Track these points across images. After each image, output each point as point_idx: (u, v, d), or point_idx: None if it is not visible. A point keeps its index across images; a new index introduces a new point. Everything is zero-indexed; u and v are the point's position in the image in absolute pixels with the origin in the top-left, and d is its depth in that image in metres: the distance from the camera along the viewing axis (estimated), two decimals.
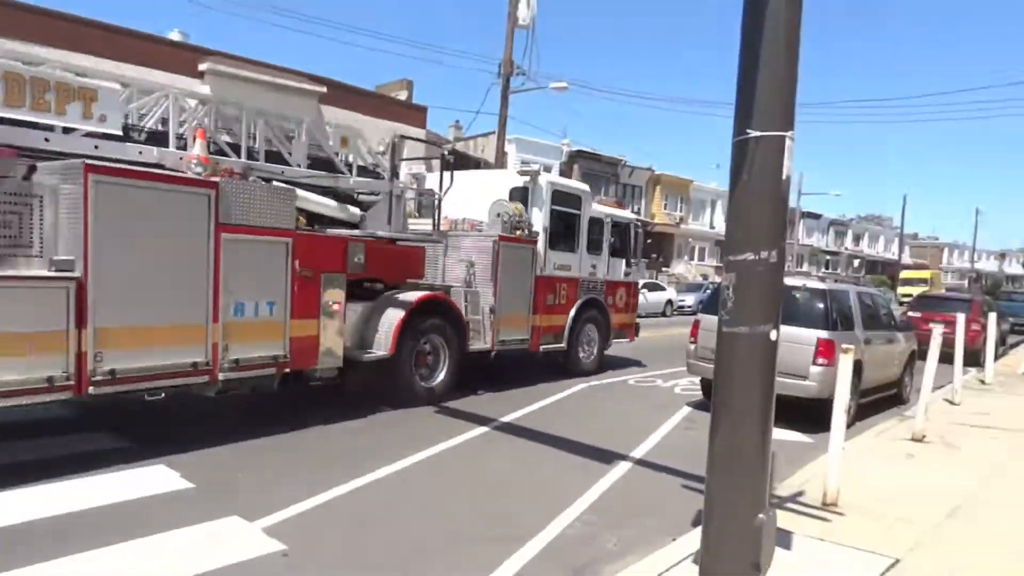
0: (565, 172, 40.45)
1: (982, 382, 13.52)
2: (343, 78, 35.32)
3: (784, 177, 4.04)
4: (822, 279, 11.09)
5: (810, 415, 8.93)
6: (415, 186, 10.85)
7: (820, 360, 9.00)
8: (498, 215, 10.81)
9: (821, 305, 9.49)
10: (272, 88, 23.53)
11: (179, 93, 7.75)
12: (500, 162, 23.19)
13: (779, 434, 6.50)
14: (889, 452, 7.88)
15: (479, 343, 10.36)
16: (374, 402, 9.03)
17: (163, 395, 6.66)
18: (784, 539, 4.84)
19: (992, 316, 15.04)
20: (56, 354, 5.79)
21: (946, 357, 9.62)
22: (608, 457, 7.36)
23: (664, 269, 43.61)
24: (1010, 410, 10.81)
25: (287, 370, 7.70)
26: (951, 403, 10.93)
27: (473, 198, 10.99)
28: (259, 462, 6.66)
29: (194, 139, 7.34)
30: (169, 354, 6.56)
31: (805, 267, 60.61)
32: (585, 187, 13.23)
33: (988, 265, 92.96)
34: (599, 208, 13.32)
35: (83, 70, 6.91)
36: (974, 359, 14.48)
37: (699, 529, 4.37)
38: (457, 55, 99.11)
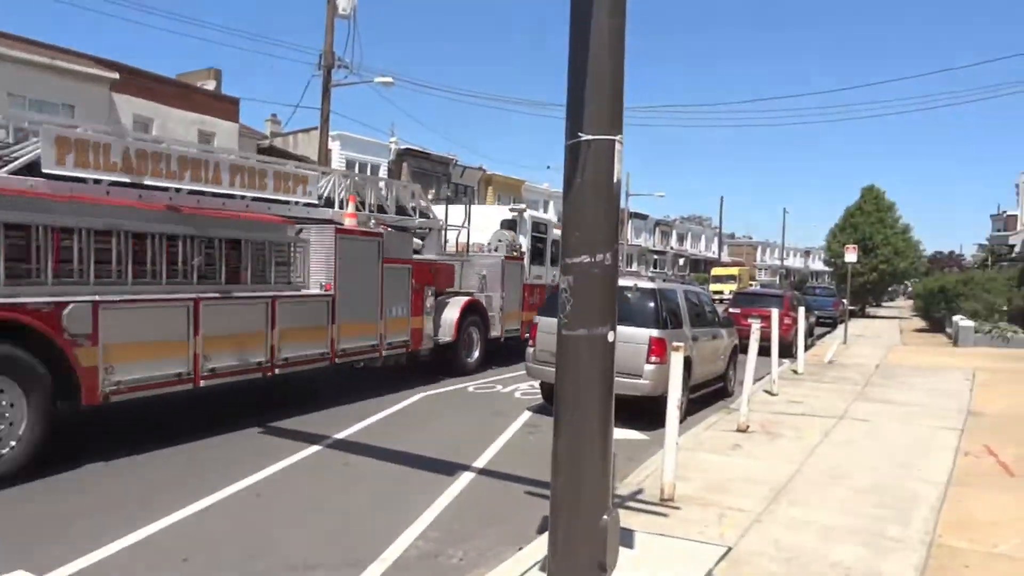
0: (393, 171, 39.43)
1: (795, 372, 14.67)
2: (141, 64, 32.38)
3: (615, 180, 4.07)
4: (652, 279, 11.38)
5: (645, 412, 9.14)
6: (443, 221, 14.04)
7: (653, 359, 9.15)
8: (500, 241, 14.70)
9: (652, 304, 9.66)
10: (51, 71, 21.25)
11: (339, 173, 11.77)
12: (323, 159, 22.06)
13: (617, 433, 6.58)
14: (718, 444, 8.30)
15: (494, 332, 14.09)
16: (436, 374, 12.49)
17: (362, 365, 11.03)
18: (627, 537, 4.88)
19: (801, 310, 16.44)
20: (323, 340, 9.65)
21: (763, 350, 10.26)
22: (450, 468, 7.18)
23: None
24: (820, 397, 11.79)
25: (408, 349, 11.55)
26: (770, 394, 11.72)
27: (473, 227, 14.38)
28: (51, 502, 5.88)
29: (348, 202, 10.75)
30: (362, 339, 10.45)
31: (635, 267, 63.59)
32: (548, 217, 18.44)
33: (796, 262, 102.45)
34: (556, 232, 17.03)
35: None
36: (787, 350, 15.66)
37: (545, 535, 4.30)
38: (273, 44, 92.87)
